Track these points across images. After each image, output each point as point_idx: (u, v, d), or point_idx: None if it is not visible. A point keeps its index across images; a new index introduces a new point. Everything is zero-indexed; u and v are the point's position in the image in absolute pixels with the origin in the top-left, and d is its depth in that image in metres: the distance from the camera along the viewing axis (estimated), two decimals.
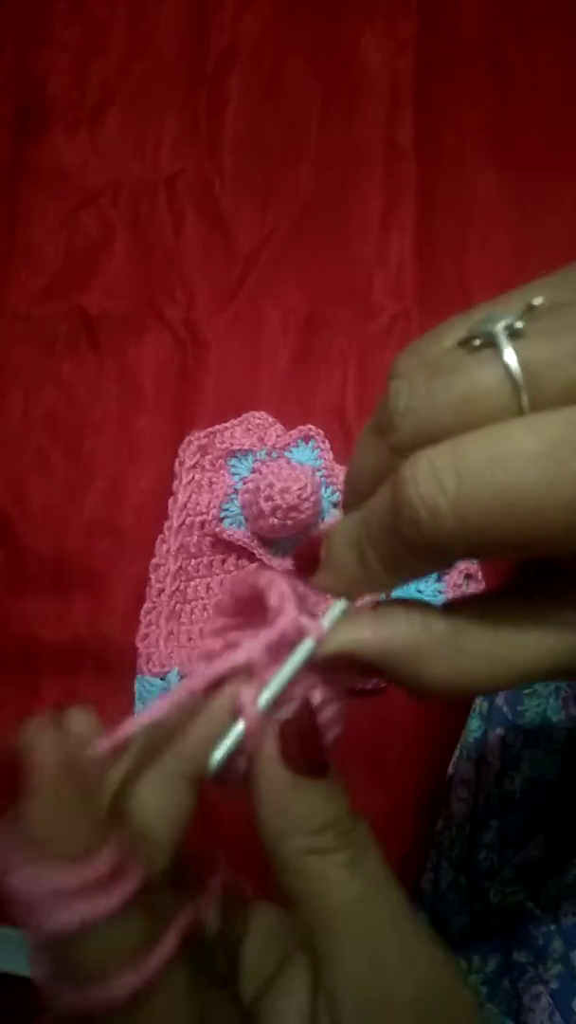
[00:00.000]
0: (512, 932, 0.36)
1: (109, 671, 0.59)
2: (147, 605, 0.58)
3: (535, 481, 0.17)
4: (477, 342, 0.19)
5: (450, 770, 0.50)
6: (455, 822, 0.47)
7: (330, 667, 0.22)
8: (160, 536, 0.60)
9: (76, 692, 0.60)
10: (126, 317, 0.68)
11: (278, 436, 0.61)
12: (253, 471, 0.58)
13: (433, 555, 0.19)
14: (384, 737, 0.56)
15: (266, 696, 0.22)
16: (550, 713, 0.44)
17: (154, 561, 0.59)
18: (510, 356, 0.18)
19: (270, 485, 0.55)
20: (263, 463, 0.58)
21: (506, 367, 0.18)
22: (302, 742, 0.22)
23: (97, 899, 0.19)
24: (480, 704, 0.49)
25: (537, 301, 0.19)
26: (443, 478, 0.18)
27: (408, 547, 0.19)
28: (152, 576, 0.59)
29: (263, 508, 0.55)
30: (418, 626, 0.21)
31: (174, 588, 0.59)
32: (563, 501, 0.17)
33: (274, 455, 0.59)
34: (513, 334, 0.18)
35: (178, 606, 0.59)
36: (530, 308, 0.19)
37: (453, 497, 0.18)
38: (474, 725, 0.48)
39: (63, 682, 0.60)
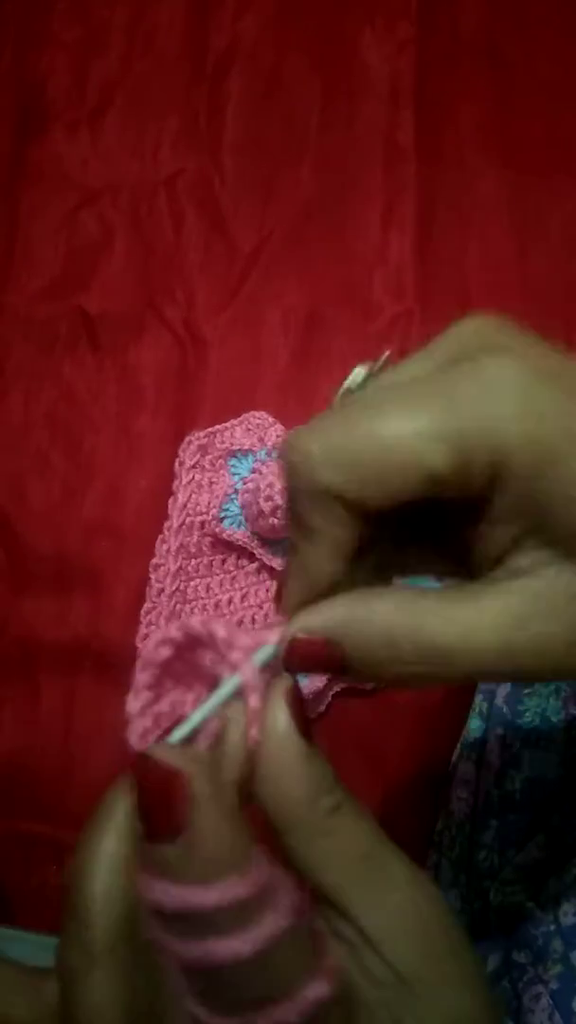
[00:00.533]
0: (512, 932, 0.36)
1: (109, 671, 0.59)
2: (147, 605, 0.58)
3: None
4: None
5: (450, 770, 0.50)
6: (455, 822, 0.47)
7: (291, 660, 0.24)
8: (160, 536, 0.60)
9: (76, 692, 0.60)
10: (126, 317, 0.68)
11: (278, 436, 0.61)
12: (253, 471, 0.58)
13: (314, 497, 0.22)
14: (384, 737, 0.56)
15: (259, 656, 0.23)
16: (550, 713, 0.44)
17: (154, 561, 0.59)
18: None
19: (270, 485, 0.55)
20: (263, 463, 0.58)
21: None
22: (301, 708, 0.23)
23: (277, 908, 0.19)
24: (480, 704, 0.49)
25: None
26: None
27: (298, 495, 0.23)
28: (152, 576, 0.59)
29: (263, 508, 0.55)
30: (360, 609, 0.23)
31: (174, 588, 0.59)
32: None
33: (274, 455, 0.59)
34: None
35: (178, 606, 0.59)
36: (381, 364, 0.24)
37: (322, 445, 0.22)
38: (474, 725, 0.48)
39: (63, 682, 0.60)
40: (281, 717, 0.22)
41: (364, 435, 0.21)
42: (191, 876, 0.19)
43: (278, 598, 0.25)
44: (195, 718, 0.23)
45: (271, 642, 0.23)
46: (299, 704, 0.23)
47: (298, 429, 0.23)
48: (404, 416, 0.21)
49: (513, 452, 0.20)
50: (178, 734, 0.22)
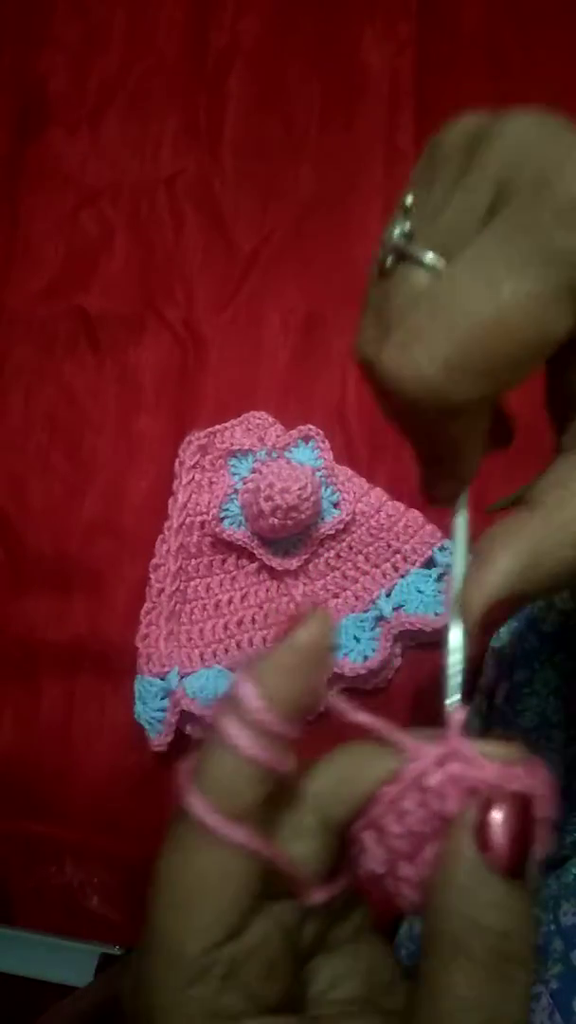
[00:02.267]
0: None
1: (109, 671, 0.59)
2: (147, 605, 0.58)
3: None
4: (389, 262, 0.23)
5: None
6: None
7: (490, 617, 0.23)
8: (160, 536, 0.60)
9: (76, 692, 0.60)
10: (126, 317, 0.68)
11: (278, 436, 0.61)
12: (253, 471, 0.58)
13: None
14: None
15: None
16: (550, 713, 0.44)
17: (154, 561, 0.59)
18: (419, 253, 0.22)
19: (270, 485, 0.55)
20: (263, 463, 0.58)
21: (421, 263, 0.22)
22: (511, 840, 0.20)
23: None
24: (480, 703, 0.49)
25: (408, 201, 0.24)
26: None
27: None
28: (152, 576, 0.59)
29: (263, 508, 0.55)
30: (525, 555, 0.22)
31: (174, 588, 0.59)
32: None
33: (274, 455, 0.59)
34: (408, 236, 0.23)
35: (178, 606, 0.59)
36: (405, 210, 0.24)
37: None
38: (474, 724, 0.48)
39: (63, 682, 0.60)
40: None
41: (475, 327, 0.20)
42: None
43: (432, 498, 0.25)
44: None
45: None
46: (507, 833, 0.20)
47: (381, 345, 0.21)
48: (508, 288, 0.19)
49: None
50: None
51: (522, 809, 0.20)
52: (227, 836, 0.20)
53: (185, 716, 0.55)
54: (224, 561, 0.60)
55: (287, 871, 0.21)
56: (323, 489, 0.58)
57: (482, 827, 0.19)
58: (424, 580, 0.57)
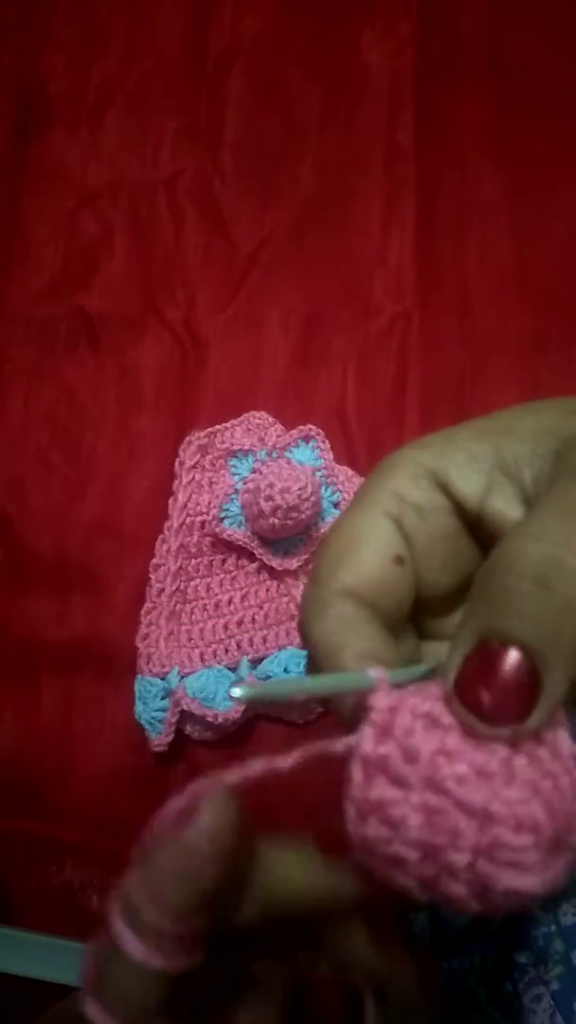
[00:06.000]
0: (513, 933, 0.36)
1: (109, 671, 0.59)
2: (147, 605, 0.58)
3: None
4: None
5: None
6: None
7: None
8: (160, 536, 0.60)
9: (76, 692, 0.60)
10: (126, 317, 0.68)
11: (278, 436, 0.61)
12: (253, 471, 0.58)
13: None
14: None
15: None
16: None
17: (154, 561, 0.59)
18: None
19: (270, 485, 0.55)
20: (263, 463, 0.58)
21: None
22: None
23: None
24: None
25: None
26: None
27: None
28: (152, 576, 0.59)
29: (263, 508, 0.55)
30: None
31: (174, 588, 0.59)
32: None
33: (274, 455, 0.59)
34: None
35: (178, 606, 0.59)
36: None
37: None
38: None
39: (63, 682, 0.60)
40: None
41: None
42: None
43: None
44: (306, 684, 0.20)
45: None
46: None
47: None
48: None
49: None
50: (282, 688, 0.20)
51: None
52: None
53: (185, 716, 0.55)
54: (224, 561, 0.60)
55: None
56: (323, 489, 0.58)
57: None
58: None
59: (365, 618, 0.21)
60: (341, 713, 0.21)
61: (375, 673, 0.19)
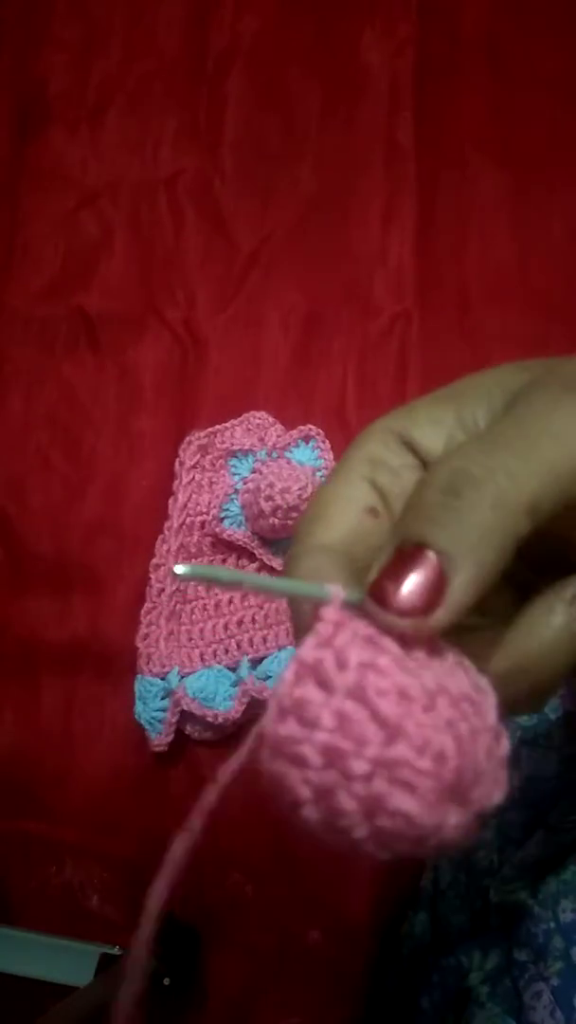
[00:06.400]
0: (512, 930, 0.36)
1: (109, 671, 0.59)
2: (147, 605, 0.58)
3: None
4: None
5: None
6: None
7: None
8: (160, 536, 0.60)
9: (76, 692, 0.60)
10: (126, 317, 0.68)
11: (278, 436, 0.61)
12: (253, 471, 0.58)
13: None
14: None
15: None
16: (548, 711, 0.44)
17: (154, 561, 0.59)
18: None
19: (270, 485, 0.55)
20: (263, 463, 0.58)
21: None
22: None
23: None
24: None
25: None
26: None
27: None
28: (152, 576, 0.59)
29: (263, 508, 0.55)
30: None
31: (174, 588, 0.59)
32: None
33: (274, 455, 0.59)
34: None
35: (178, 606, 0.59)
36: None
37: None
38: None
39: (63, 682, 0.60)
40: None
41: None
42: None
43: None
44: (256, 580, 0.21)
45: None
46: None
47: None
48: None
49: None
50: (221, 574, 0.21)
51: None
52: None
53: (185, 716, 0.55)
54: (224, 561, 0.60)
55: None
56: None
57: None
58: None
59: (338, 567, 0.22)
60: (297, 628, 0.22)
61: (332, 588, 0.20)
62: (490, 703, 0.19)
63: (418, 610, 0.19)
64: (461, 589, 0.19)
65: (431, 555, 0.19)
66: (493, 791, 0.19)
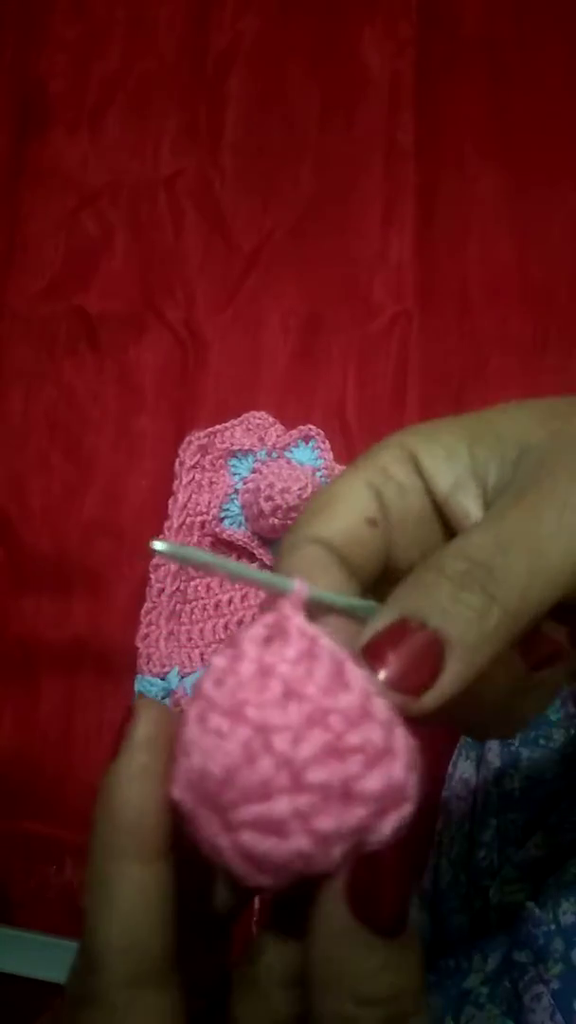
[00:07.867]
0: (512, 931, 0.36)
1: (109, 671, 0.59)
2: (147, 605, 0.58)
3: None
4: None
5: (449, 769, 0.50)
6: (454, 821, 0.47)
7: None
8: (160, 536, 0.60)
9: (76, 692, 0.60)
10: (126, 317, 0.68)
11: (278, 436, 0.61)
12: (253, 471, 0.58)
13: None
14: None
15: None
16: (549, 712, 0.44)
17: (154, 561, 0.59)
18: None
19: (270, 485, 0.55)
20: (263, 463, 0.58)
21: None
22: (374, 891, 0.18)
23: None
24: None
25: None
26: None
27: None
28: (152, 576, 0.59)
29: (263, 508, 0.55)
30: None
31: (174, 588, 0.59)
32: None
33: (274, 455, 0.59)
34: None
35: (178, 606, 0.59)
36: None
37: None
38: None
39: (63, 682, 0.60)
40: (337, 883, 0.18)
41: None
42: None
43: None
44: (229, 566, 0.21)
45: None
46: (369, 880, 0.18)
47: None
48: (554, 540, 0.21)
49: None
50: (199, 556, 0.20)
51: (389, 858, 0.18)
52: None
53: None
54: None
55: None
56: None
57: (355, 888, 0.18)
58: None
59: (333, 562, 0.22)
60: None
61: (297, 583, 0.20)
62: (399, 736, 0.19)
63: (409, 687, 0.19)
64: (454, 678, 0.19)
65: (432, 634, 0.19)
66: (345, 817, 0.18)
